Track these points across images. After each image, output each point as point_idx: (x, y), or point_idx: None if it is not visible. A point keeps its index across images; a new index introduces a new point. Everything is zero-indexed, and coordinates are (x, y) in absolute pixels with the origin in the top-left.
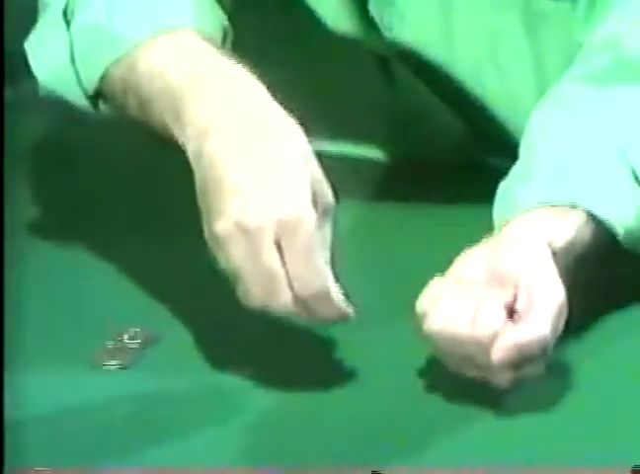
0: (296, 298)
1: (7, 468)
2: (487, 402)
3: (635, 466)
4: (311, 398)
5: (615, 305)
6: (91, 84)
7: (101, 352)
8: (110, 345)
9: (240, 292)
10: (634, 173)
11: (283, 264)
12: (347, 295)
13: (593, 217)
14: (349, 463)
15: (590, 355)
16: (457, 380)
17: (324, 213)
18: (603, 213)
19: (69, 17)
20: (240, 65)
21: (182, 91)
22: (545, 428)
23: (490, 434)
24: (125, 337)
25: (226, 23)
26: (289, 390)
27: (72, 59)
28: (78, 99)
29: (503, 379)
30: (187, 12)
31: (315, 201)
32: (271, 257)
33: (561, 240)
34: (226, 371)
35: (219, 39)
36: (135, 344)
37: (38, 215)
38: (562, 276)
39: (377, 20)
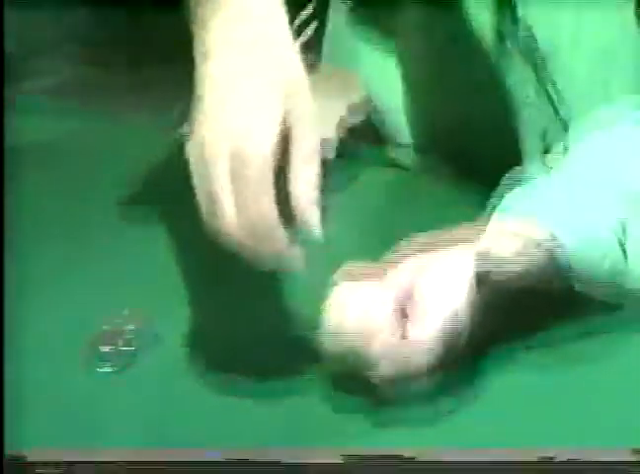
0: (241, 227)
1: (7, 469)
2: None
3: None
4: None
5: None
6: None
7: (95, 354)
8: (105, 347)
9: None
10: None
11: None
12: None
13: (554, 254)
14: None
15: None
16: None
17: (302, 158)
18: (565, 253)
19: None
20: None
21: (209, 7)
22: (546, 410)
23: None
24: (120, 340)
25: None
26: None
27: None
28: None
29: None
30: None
31: (290, 143)
32: (217, 181)
33: (502, 249)
34: (225, 373)
35: None
36: (130, 346)
37: (36, 215)
38: (497, 287)
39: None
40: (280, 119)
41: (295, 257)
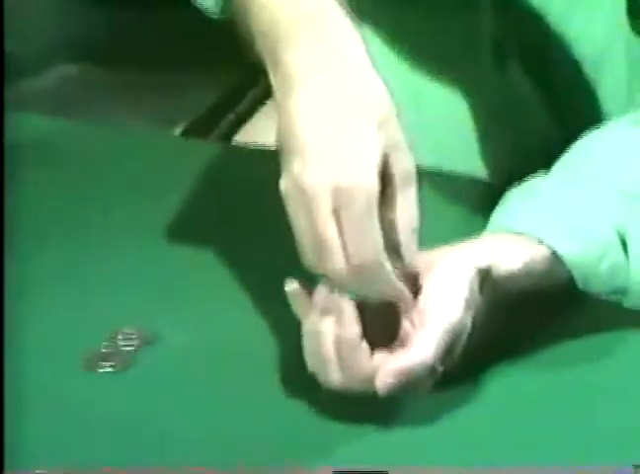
0: (349, 269)
1: (7, 470)
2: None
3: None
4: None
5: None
6: None
7: (95, 354)
8: (104, 347)
9: (300, 254)
10: (618, 227)
11: (340, 232)
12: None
13: (555, 254)
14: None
15: (591, 352)
16: None
17: (402, 182)
18: (565, 253)
19: None
20: (348, 18)
21: (284, 33)
22: (547, 426)
23: (488, 433)
24: (120, 339)
25: None
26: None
27: None
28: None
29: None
30: None
31: (389, 169)
32: (323, 223)
33: (505, 268)
34: (224, 375)
35: None
36: (130, 346)
37: (36, 216)
38: (498, 302)
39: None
40: (379, 149)
41: (403, 290)
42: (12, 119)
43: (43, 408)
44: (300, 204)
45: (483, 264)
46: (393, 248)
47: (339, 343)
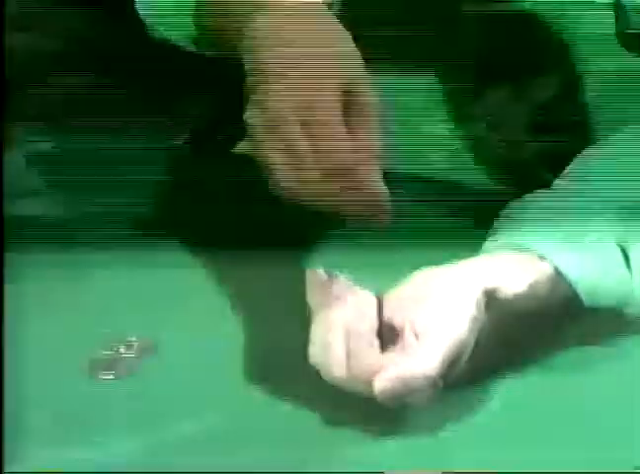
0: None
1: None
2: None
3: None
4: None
5: None
6: None
7: (97, 362)
8: (105, 355)
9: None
10: (620, 241)
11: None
12: None
13: (558, 270)
14: None
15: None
16: None
17: (362, 110)
18: (568, 270)
19: None
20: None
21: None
22: (545, 430)
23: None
24: (122, 347)
25: None
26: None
27: None
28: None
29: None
30: None
31: (351, 99)
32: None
33: (511, 290)
34: (223, 382)
35: None
36: (131, 354)
37: (34, 223)
38: (505, 320)
39: None
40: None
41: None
42: (12, 131)
43: (45, 414)
44: (267, 130)
45: (489, 285)
46: None
47: (351, 336)
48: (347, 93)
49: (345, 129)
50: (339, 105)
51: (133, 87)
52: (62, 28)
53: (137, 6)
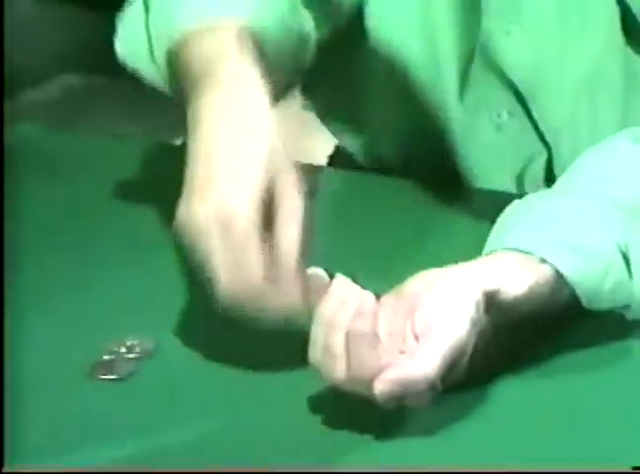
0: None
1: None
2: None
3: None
4: (303, 404)
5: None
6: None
7: (97, 364)
8: (106, 357)
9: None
10: (620, 243)
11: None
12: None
13: (558, 273)
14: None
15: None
16: None
17: (284, 202)
18: (569, 273)
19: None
20: (249, 61)
21: (190, 85)
22: (545, 430)
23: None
24: (122, 349)
25: (296, 23)
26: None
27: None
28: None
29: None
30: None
31: (275, 196)
32: (204, 249)
33: (511, 293)
34: (222, 384)
35: (271, 33)
36: (132, 355)
37: (34, 225)
38: (504, 323)
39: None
40: (259, 181)
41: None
42: (13, 130)
43: (45, 415)
44: (188, 236)
45: (490, 287)
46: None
47: (352, 336)
48: (270, 190)
49: (258, 255)
50: (255, 215)
51: (133, 87)
52: (62, 28)
53: (116, 44)
